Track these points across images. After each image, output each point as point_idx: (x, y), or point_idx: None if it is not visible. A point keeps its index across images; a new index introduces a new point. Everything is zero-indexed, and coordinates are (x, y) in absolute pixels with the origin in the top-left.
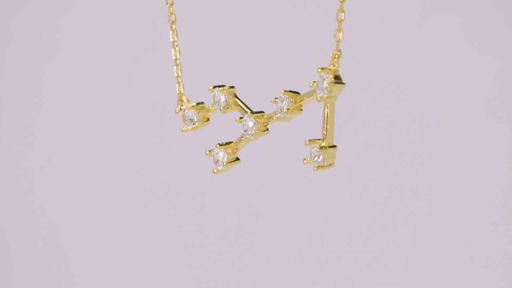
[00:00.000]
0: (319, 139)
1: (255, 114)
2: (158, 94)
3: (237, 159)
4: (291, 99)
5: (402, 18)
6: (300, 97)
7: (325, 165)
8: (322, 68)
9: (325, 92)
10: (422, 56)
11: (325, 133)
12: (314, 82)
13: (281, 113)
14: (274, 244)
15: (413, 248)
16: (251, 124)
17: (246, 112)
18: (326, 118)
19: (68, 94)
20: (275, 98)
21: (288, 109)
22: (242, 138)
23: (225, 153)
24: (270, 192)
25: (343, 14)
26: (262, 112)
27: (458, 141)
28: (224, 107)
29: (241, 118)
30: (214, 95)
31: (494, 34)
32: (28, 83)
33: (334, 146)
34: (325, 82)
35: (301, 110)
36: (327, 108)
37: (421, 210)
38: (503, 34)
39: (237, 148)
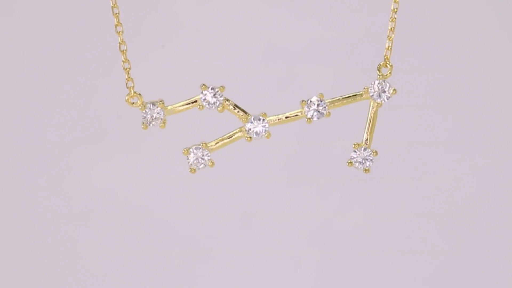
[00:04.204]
0: (361, 143)
1: (266, 115)
2: (156, 92)
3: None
4: (328, 103)
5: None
6: (338, 100)
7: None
8: (380, 75)
9: (387, 98)
10: (420, 56)
11: (368, 137)
12: (366, 88)
13: (319, 115)
14: (272, 245)
15: (413, 248)
16: (262, 124)
17: (240, 112)
18: (370, 122)
19: (61, 92)
20: (303, 101)
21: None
22: (246, 138)
23: (208, 153)
24: (267, 193)
25: (393, 23)
26: (265, 113)
27: (458, 141)
28: (222, 106)
29: (246, 117)
30: (206, 94)
31: (490, 35)
32: (18, 82)
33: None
34: (389, 90)
35: (330, 113)
36: (373, 113)
37: (420, 210)
38: (499, 35)
39: (216, 148)
